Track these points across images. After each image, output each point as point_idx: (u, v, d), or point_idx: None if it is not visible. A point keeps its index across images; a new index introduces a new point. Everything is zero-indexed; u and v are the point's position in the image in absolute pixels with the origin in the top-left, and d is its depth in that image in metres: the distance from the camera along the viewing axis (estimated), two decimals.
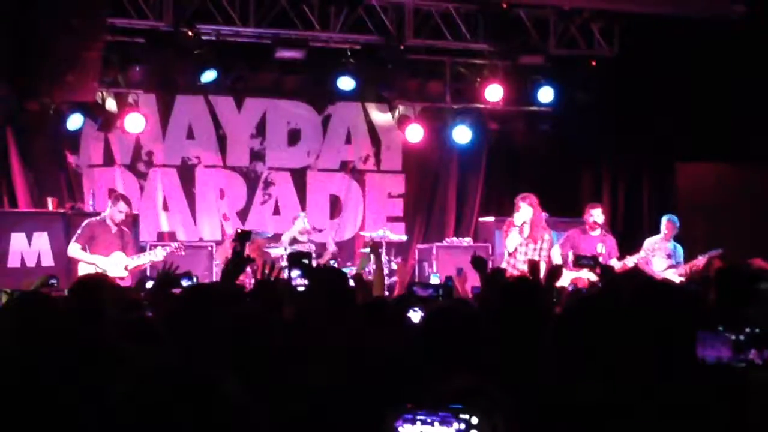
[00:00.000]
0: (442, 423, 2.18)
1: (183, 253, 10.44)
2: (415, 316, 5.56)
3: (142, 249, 10.93)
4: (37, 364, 3.36)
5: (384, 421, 2.20)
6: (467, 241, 13.05)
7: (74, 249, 10.15)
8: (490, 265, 11.70)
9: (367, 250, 11.75)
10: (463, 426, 2.17)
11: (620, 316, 3.56)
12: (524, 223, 10.36)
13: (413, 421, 2.18)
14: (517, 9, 12.75)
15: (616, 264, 10.92)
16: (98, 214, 10.63)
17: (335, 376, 3.78)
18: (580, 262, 8.25)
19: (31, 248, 11.10)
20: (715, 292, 5.64)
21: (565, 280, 9.68)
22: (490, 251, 12.73)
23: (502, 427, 2.26)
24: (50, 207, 11.50)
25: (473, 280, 9.10)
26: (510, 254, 10.45)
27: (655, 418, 3.19)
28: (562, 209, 12.98)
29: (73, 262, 10.23)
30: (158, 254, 10.30)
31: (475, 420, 2.16)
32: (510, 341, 4.16)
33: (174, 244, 10.72)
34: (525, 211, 10.37)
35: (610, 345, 3.41)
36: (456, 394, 2.34)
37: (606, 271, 7.41)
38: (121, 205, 10.29)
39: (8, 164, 11.88)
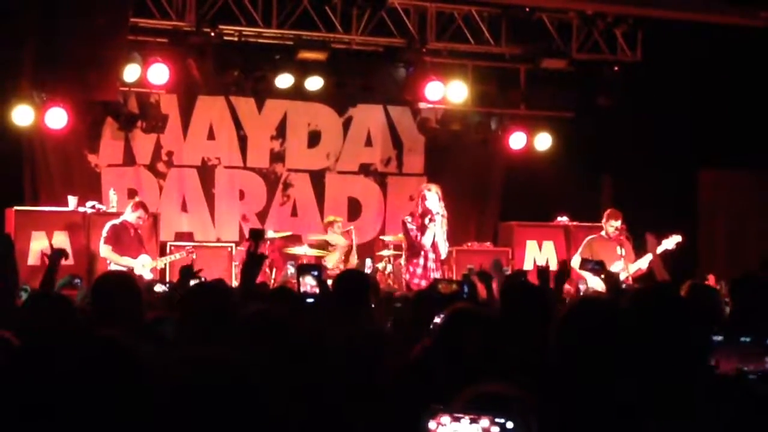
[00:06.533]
0: (473, 423, 2.15)
1: (194, 256, 11.25)
2: None
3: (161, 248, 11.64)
4: (53, 361, 3.35)
5: (419, 420, 2.17)
6: (487, 245, 13.02)
7: (106, 250, 10.69)
8: (509, 270, 11.71)
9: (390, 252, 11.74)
10: (498, 429, 2.14)
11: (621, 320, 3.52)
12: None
13: (450, 421, 2.16)
14: (539, 13, 12.72)
15: (632, 267, 10.78)
16: (120, 214, 11.08)
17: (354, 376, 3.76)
18: (585, 266, 8.12)
19: None
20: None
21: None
22: (510, 256, 12.68)
23: (536, 430, 2.23)
24: (70, 206, 11.53)
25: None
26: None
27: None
28: (583, 214, 12.91)
29: (101, 262, 10.74)
30: (177, 256, 11.25)
31: (510, 425, 2.13)
32: (524, 344, 4.14)
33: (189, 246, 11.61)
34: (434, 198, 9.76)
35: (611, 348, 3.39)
36: (483, 399, 2.31)
37: (610, 276, 7.34)
38: (142, 212, 10.91)
39: (29, 163, 11.94)
